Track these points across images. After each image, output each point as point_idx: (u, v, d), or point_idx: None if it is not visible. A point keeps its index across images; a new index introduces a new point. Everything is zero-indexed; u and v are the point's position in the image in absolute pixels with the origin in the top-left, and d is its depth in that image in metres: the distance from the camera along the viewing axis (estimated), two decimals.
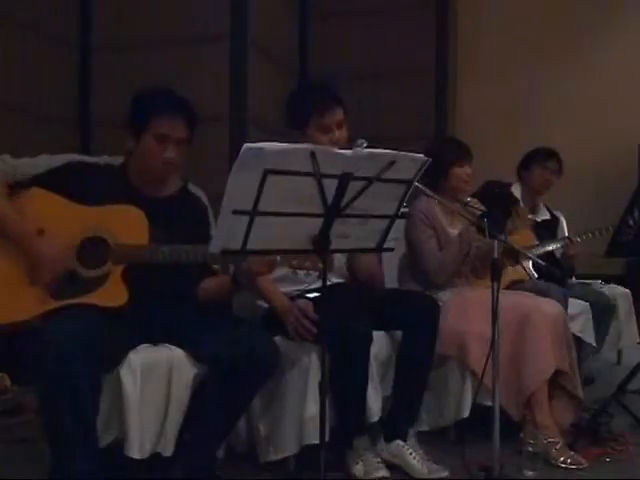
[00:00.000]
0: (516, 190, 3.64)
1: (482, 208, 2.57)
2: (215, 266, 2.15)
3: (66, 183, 2.01)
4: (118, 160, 2.14)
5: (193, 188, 2.24)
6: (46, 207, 1.98)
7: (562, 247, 3.50)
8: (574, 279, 3.88)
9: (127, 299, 1.92)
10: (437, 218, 2.84)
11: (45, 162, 2.03)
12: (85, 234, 1.95)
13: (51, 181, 2.00)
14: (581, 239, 3.45)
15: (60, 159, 2.05)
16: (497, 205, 2.70)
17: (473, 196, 2.93)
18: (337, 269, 2.61)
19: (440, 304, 2.68)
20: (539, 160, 3.65)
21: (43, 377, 1.75)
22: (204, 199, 2.25)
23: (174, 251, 1.94)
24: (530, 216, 3.67)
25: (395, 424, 2.43)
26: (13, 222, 1.94)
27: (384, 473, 2.26)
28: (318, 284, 2.38)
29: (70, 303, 1.88)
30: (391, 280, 3.07)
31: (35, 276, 1.93)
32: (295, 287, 2.46)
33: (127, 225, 1.97)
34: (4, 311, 1.89)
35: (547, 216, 3.76)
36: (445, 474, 2.31)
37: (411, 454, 2.35)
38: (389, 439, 2.40)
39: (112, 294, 1.92)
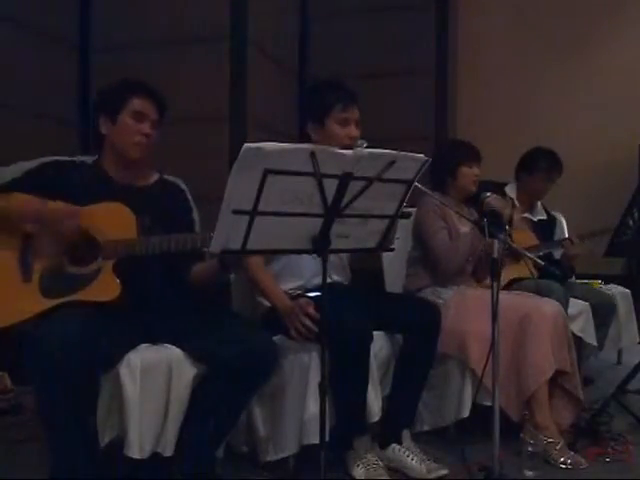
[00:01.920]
0: (511, 190, 3.63)
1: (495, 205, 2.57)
2: (205, 249, 2.15)
3: (44, 184, 2.01)
4: (91, 158, 2.17)
5: (169, 177, 2.29)
6: None
7: (562, 248, 3.49)
8: (574, 279, 3.88)
9: (120, 291, 1.92)
10: (448, 213, 2.85)
11: (20, 168, 2.03)
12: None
13: (29, 184, 2.00)
14: (582, 241, 3.43)
15: (35, 162, 2.06)
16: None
17: (469, 200, 2.93)
18: (340, 268, 2.62)
19: (441, 301, 2.69)
20: (544, 169, 3.54)
21: (41, 377, 1.75)
22: (181, 184, 2.29)
23: (164, 241, 1.94)
24: (526, 215, 3.66)
25: (390, 428, 2.42)
26: (6, 208, 1.93)
27: (385, 475, 2.25)
28: (317, 280, 2.39)
29: (64, 301, 1.88)
30: (394, 282, 3.06)
31: (36, 262, 1.93)
32: (294, 283, 2.47)
33: (114, 221, 1.97)
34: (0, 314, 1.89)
35: (544, 216, 3.75)
36: (444, 472, 2.31)
37: (408, 456, 2.35)
38: (384, 445, 2.40)
39: (104, 288, 1.92)
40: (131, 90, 2.13)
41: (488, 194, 2.72)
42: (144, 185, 2.20)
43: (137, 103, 2.11)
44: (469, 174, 2.90)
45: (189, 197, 2.28)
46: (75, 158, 2.15)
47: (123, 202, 1.99)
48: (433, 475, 2.29)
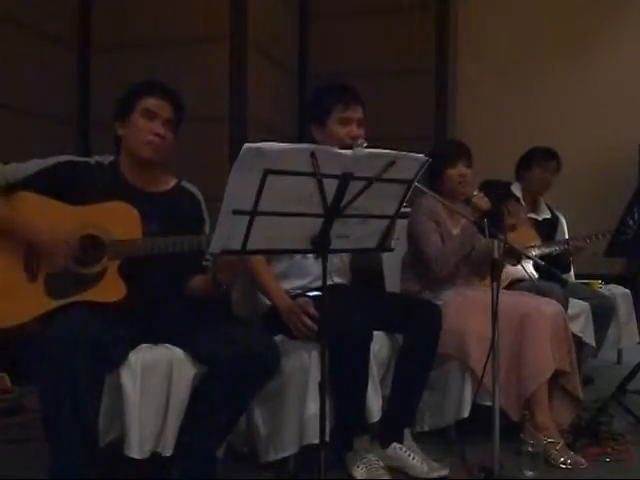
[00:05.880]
0: (516, 189, 3.65)
1: (485, 203, 2.56)
2: (205, 263, 2.15)
3: (57, 183, 2.01)
4: (108, 158, 2.16)
5: (187, 185, 2.26)
6: (37, 210, 1.97)
7: (566, 246, 3.48)
8: (573, 278, 3.88)
9: (125, 293, 1.92)
10: (441, 215, 2.84)
11: (34, 166, 2.03)
12: (79, 233, 1.95)
13: (42, 182, 2.00)
14: (590, 241, 3.42)
15: (49, 161, 2.05)
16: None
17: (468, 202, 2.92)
18: (342, 270, 2.62)
19: (440, 302, 2.69)
20: (540, 160, 3.65)
21: (43, 377, 1.75)
22: (198, 195, 2.26)
23: (169, 242, 1.93)
24: (531, 215, 3.67)
25: (390, 428, 2.42)
26: (11, 219, 1.94)
27: (385, 474, 2.25)
28: (319, 282, 2.39)
29: (69, 302, 1.88)
30: (393, 282, 3.06)
31: (41, 264, 1.93)
32: (297, 283, 2.47)
33: (119, 221, 1.97)
34: (4, 315, 1.89)
35: (548, 215, 3.77)
36: (445, 472, 2.30)
37: (409, 455, 2.35)
38: (385, 445, 2.40)
39: (110, 289, 1.92)
40: (142, 89, 2.12)
41: (475, 193, 2.72)
42: (159, 191, 2.17)
43: (148, 102, 2.09)
44: (454, 175, 2.85)
45: (203, 208, 2.25)
46: (90, 159, 2.14)
47: (134, 206, 1.98)
48: (434, 474, 2.29)
